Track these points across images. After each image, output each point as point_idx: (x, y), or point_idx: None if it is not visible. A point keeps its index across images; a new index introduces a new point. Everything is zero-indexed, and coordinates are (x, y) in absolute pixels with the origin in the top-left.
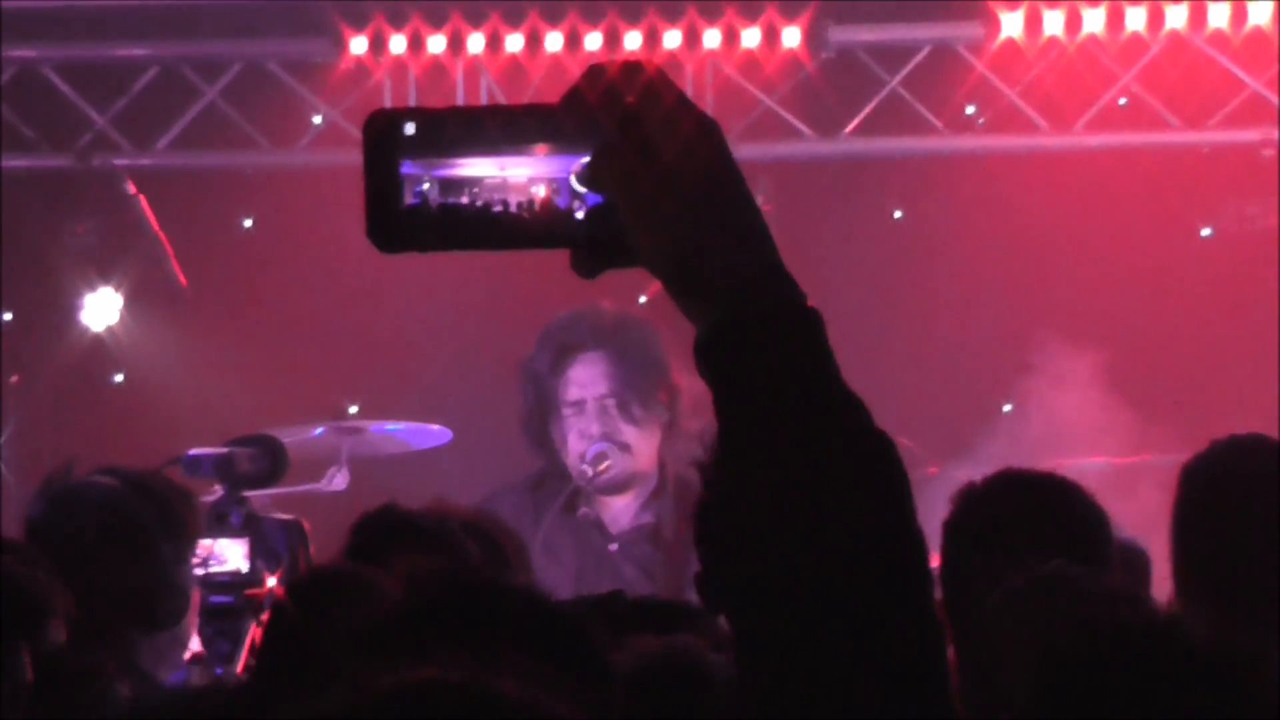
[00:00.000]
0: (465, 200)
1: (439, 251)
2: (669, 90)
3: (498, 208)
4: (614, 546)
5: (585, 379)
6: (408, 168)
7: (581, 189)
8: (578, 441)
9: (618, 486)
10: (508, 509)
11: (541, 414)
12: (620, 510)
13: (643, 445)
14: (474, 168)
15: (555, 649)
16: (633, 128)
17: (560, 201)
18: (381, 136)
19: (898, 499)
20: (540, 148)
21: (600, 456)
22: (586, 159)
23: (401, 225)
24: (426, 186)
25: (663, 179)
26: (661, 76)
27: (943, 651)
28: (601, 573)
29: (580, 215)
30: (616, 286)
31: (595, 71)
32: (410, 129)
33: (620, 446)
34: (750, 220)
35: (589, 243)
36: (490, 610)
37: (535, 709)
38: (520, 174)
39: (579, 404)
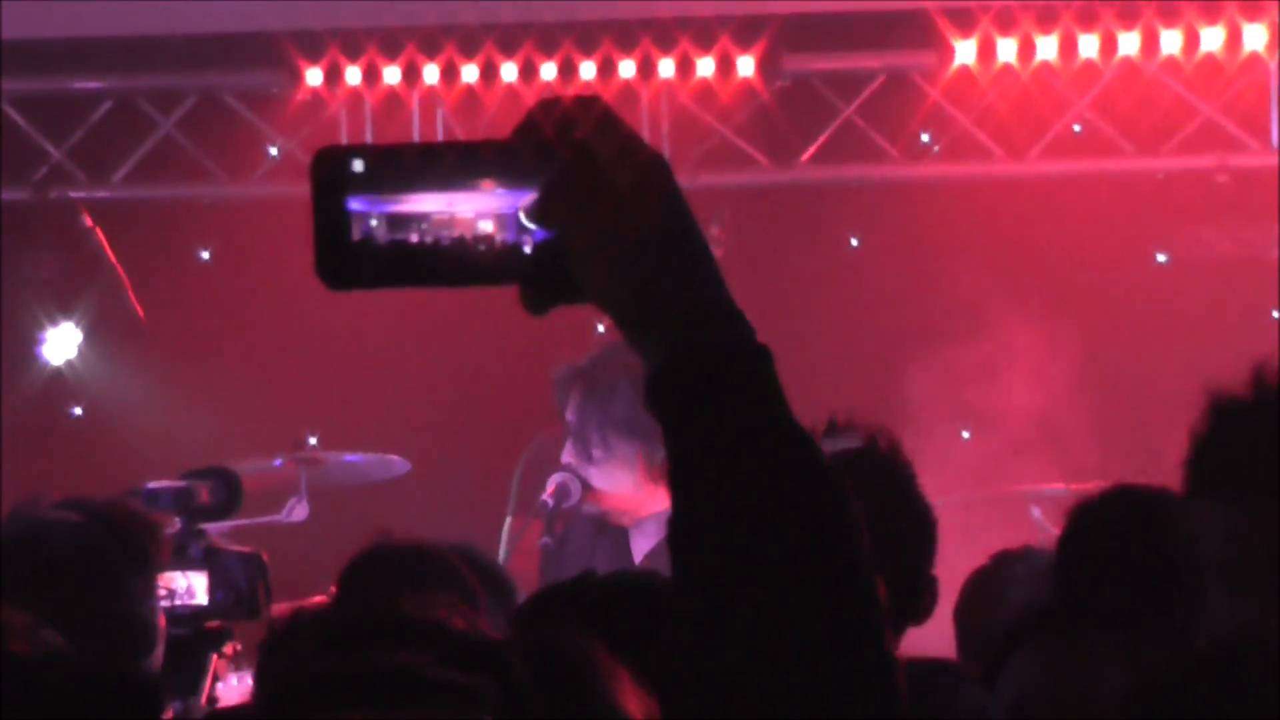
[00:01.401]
0: (413, 237)
1: (387, 288)
2: (620, 125)
3: (446, 244)
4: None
5: (568, 412)
6: (356, 204)
7: (530, 224)
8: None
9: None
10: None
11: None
12: (639, 542)
13: (613, 484)
14: (422, 204)
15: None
16: (587, 161)
17: (508, 237)
18: (329, 173)
19: (849, 532)
20: (488, 183)
21: (562, 488)
22: (534, 194)
23: (349, 262)
24: (374, 223)
25: (614, 214)
26: (609, 115)
27: (898, 680)
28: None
29: (528, 250)
30: (573, 321)
31: (548, 104)
32: (358, 165)
33: (582, 482)
34: (700, 257)
35: (537, 278)
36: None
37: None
38: (468, 209)
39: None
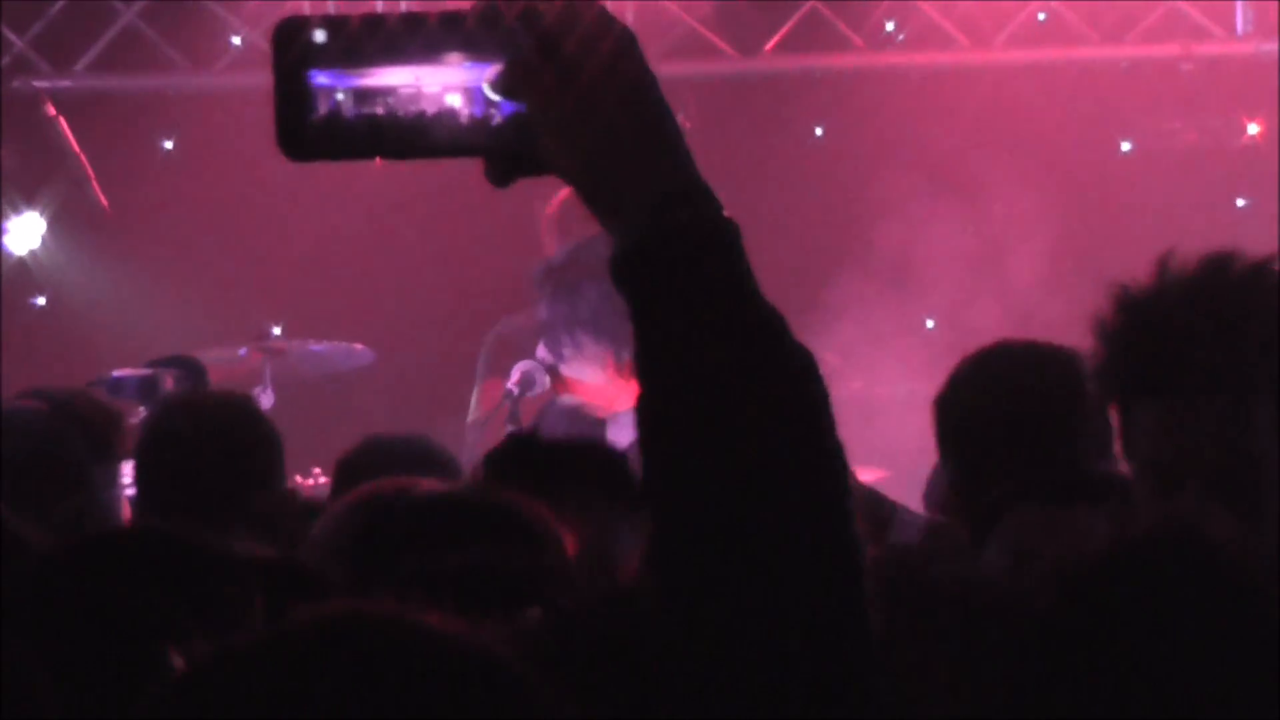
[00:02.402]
0: (378, 109)
1: (351, 160)
2: (588, 2)
3: (412, 116)
4: None
5: (540, 309)
6: (319, 76)
7: (495, 97)
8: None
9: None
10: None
11: (583, 343)
12: (616, 435)
13: (586, 379)
14: (387, 76)
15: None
16: (550, 39)
17: (475, 110)
18: (291, 44)
19: (817, 411)
20: (454, 56)
21: (526, 376)
22: (500, 67)
23: (313, 134)
24: (340, 96)
25: (581, 92)
26: (601, 4)
27: (862, 562)
28: None
29: (495, 123)
30: (518, 195)
31: None
32: (321, 37)
33: (551, 372)
34: (669, 134)
35: (502, 151)
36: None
37: (458, 640)
38: (434, 82)
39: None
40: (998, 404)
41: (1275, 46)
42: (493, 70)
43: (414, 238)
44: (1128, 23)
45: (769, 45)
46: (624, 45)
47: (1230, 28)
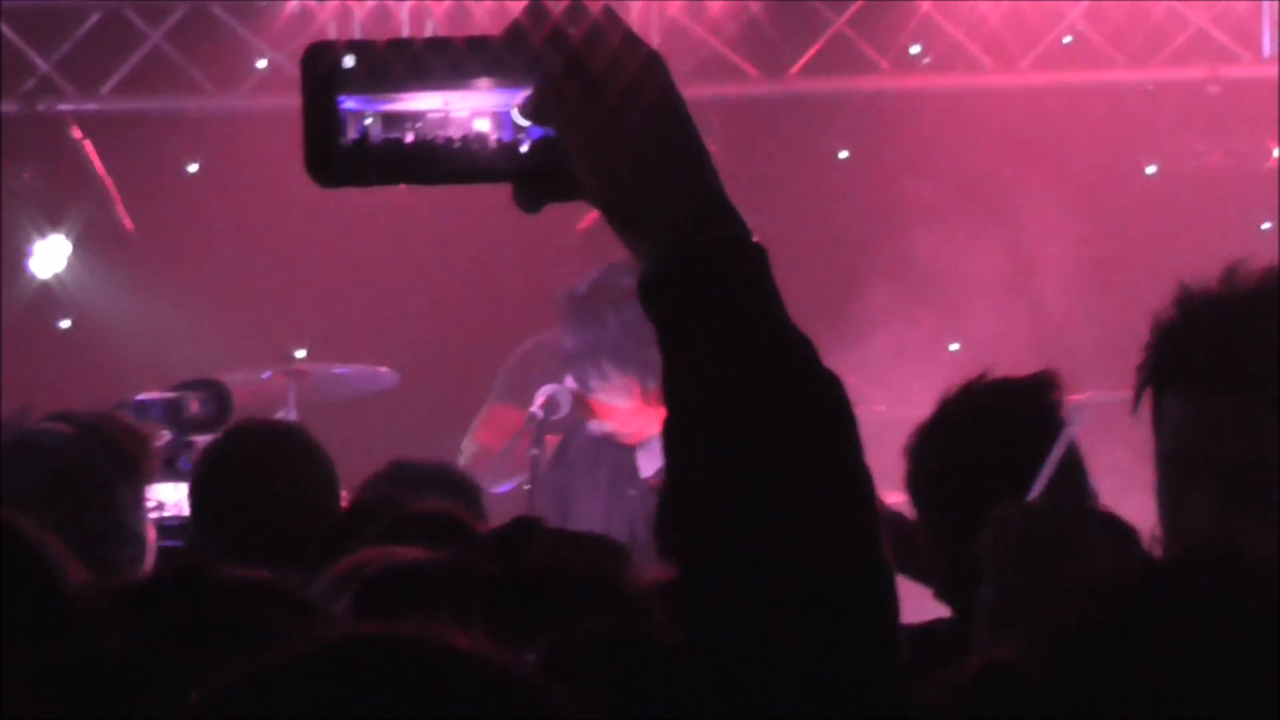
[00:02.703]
0: (407, 134)
1: (380, 186)
2: (615, 25)
3: (440, 141)
4: (633, 492)
5: (566, 339)
6: (348, 101)
7: (524, 122)
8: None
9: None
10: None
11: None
12: (645, 462)
13: (615, 404)
14: (416, 101)
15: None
16: (577, 62)
17: (503, 135)
18: (320, 69)
19: (845, 435)
20: (482, 81)
21: (551, 400)
22: (528, 92)
23: (341, 160)
24: (369, 121)
25: (609, 114)
26: (608, 12)
27: (892, 585)
28: (619, 516)
29: (523, 149)
30: (559, 218)
31: (539, 7)
32: (350, 62)
33: (577, 397)
34: (696, 156)
35: (531, 176)
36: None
37: (486, 659)
38: (463, 107)
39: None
40: (961, 458)
41: None
42: (521, 95)
43: (439, 260)
44: (1154, 45)
45: (795, 68)
46: (651, 66)
47: (1257, 50)
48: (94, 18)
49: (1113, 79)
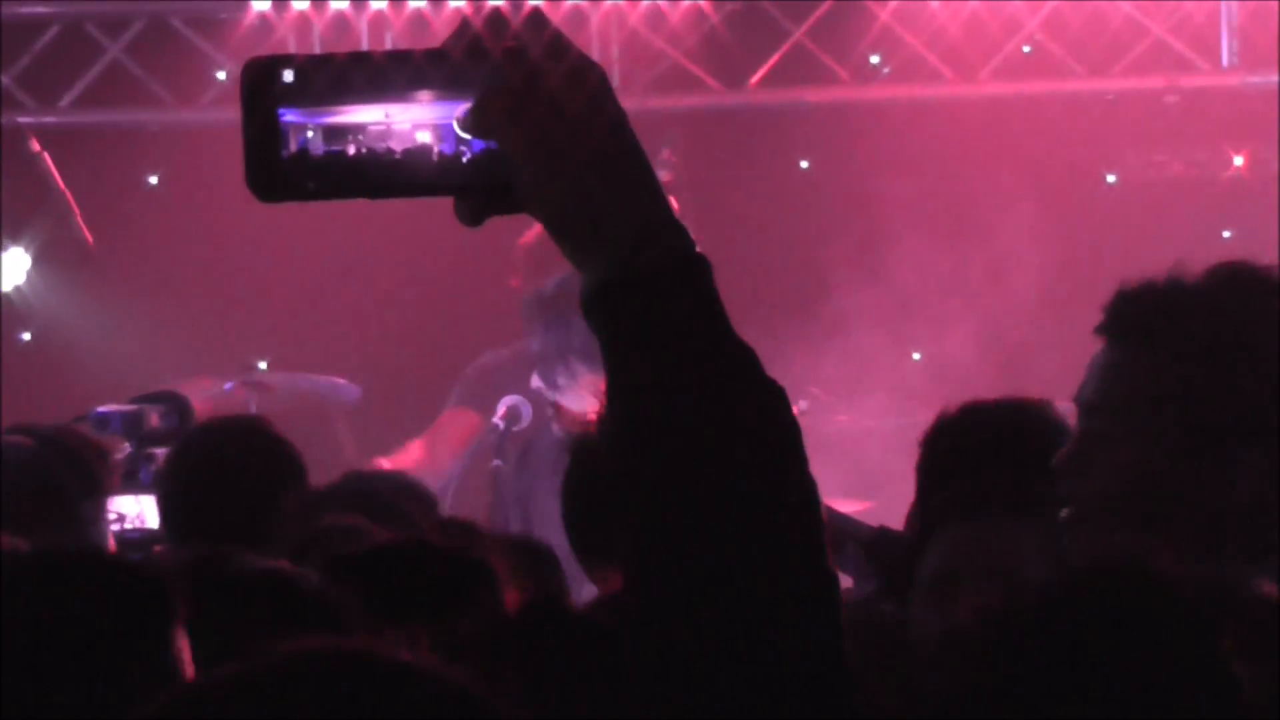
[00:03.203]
0: (349, 148)
1: (322, 200)
2: (553, 31)
3: (381, 154)
4: None
5: (533, 340)
6: (288, 115)
7: (465, 135)
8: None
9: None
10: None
11: (560, 375)
12: None
13: (581, 408)
14: (358, 114)
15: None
16: (520, 66)
17: (445, 148)
18: (259, 83)
19: (787, 445)
20: (424, 93)
21: (513, 411)
22: (469, 105)
23: (282, 174)
24: (309, 134)
25: (552, 122)
26: (544, 18)
27: (835, 592)
28: None
29: (465, 161)
30: (503, 229)
31: (497, 19)
32: (289, 76)
33: (537, 403)
34: (641, 171)
35: (471, 189)
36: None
37: (431, 673)
38: (404, 120)
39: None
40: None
41: (1260, 79)
42: (462, 108)
43: (398, 272)
44: (1113, 55)
45: (755, 78)
46: (584, 75)
47: (1216, 60)
48: (53, 30)
49: (1072, 88)
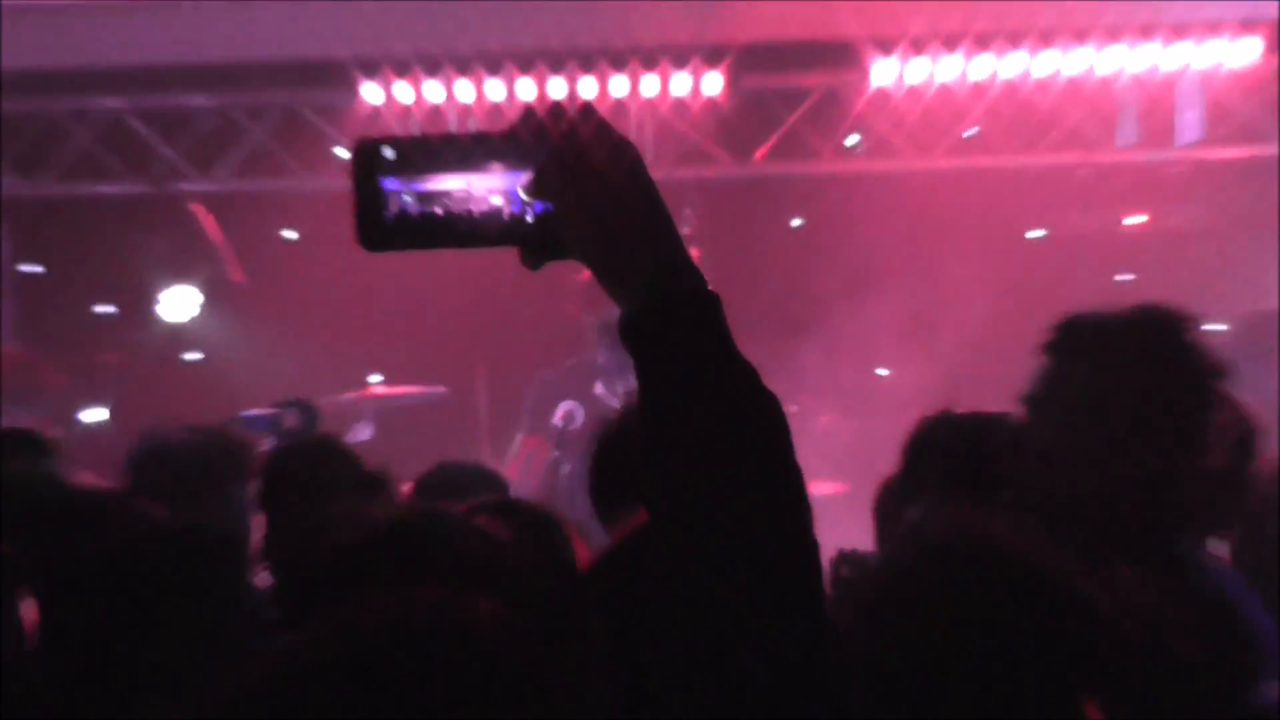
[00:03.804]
0: (437, 209)
1: (415, 250)
2: (597, 116)
3: (463, 214)
4: None
5: (600, 355)
6: (390, 183)
7: (528, 198)
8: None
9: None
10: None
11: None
12: None
13: None
14: (443, 183)
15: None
16: (572, 144)
17: (513, 209)
18: (367, 158)
19: (782, 439)
20: (496, 166)
21: (569, 414)
22: (530, 174)
23: (385, 231)
24: (407, 199)
25: (595, 187)
26: (591, 106)
27: (816, 550)
28: None
29: (528, 219)
30: (557, 277)
31: (556, 109)
32: (390, 152)
33: (593, 409)
34: (662, 222)
35: (533, 241)
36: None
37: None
38: (481, 187)
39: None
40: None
41: (1153, 155)
42: (526, 177)
43: (475, 305)
44: (1038, 137)
45: (758, 155)
46: (621, 152)
47: (1116, 140)
48: (211, 117)
49: (1007, 163)
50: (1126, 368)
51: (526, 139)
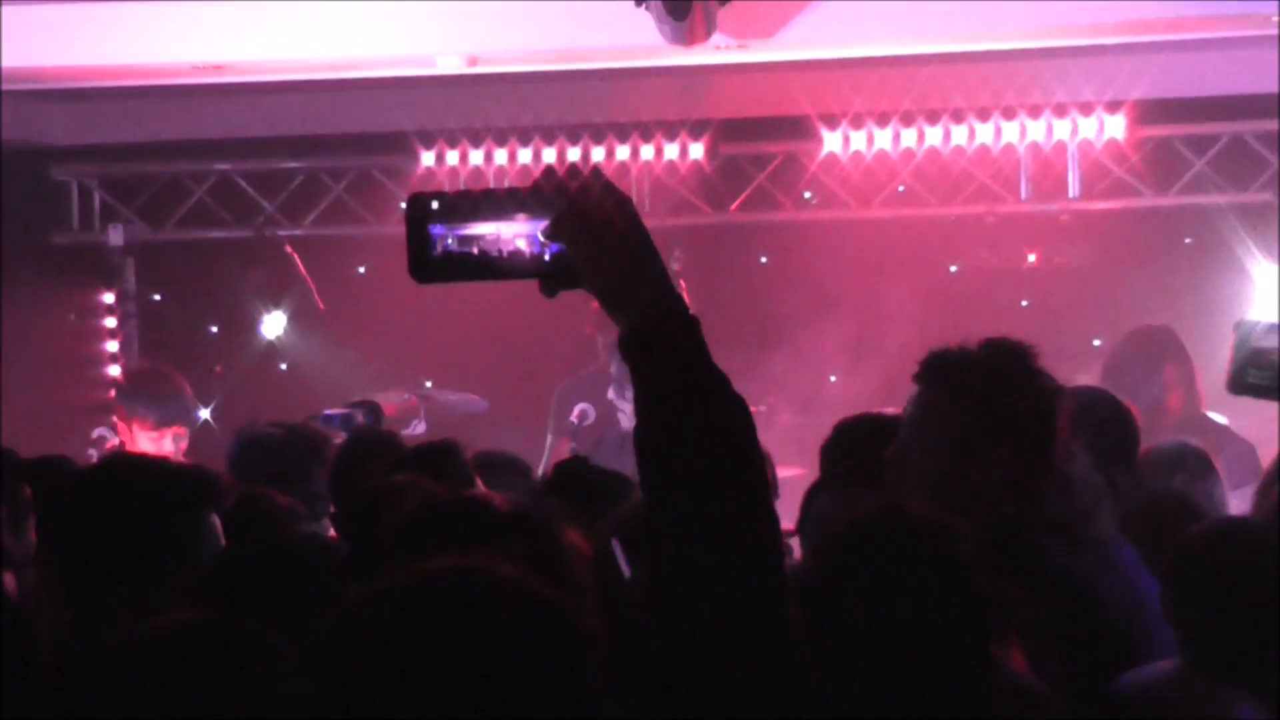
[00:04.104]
0: (474, 249)
1: (456, 282)
2: (603, 177)
3: (494, 253)
4: None
5: (612, 365)
6: (436, 229)
7: (545, 240)
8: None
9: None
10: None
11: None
12: None
13: None
14: (479, 229)
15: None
16: (582, 198)
17: (534, 249)
18: (419, 209)
19: (747, 431)
20: (520, 215)
21: (583, 413)
22: (550, 221)
23: (433, 267)
24: (450, 241)
25: (600, 232)
26: (598, 168)
27: (776, 521)
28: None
29: (546, 257)
30: (573, 303)
31: (572, 169)
32: (436, 204)
33: (603, 410)
34: (654, 261)
35: (550, 275)
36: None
37: (525, 584)
38: (509, 231)
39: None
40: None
41: (1044, 207)
42: (545, 224)
43: (509, 325)
44: (955, 191)
45: (733, 206)
46: (621, 205)
47: (1017, 194)
48: (299, 177)
49: (930, 213)
50: (982, 393)
51: (546, 193)
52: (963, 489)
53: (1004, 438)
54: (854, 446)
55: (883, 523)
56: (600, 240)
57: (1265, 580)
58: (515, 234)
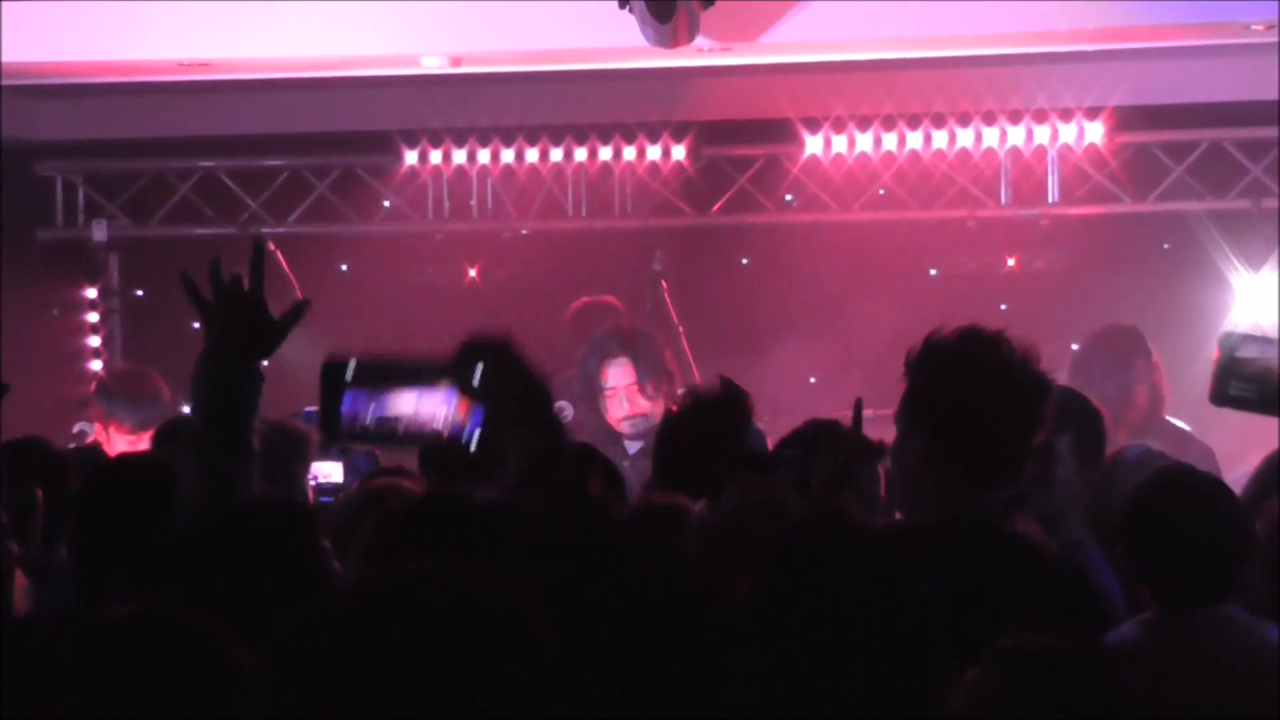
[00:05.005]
0: (389, 413)
1: (366, 445)
2: (509, 346)
3: (401, 427)
4: (625, 463)
5: (616, 375)
6: (348, 395)
7: (457, 407)
8: (616, 411)
9: (643, 435)
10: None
11: (590, 394)
12: (630, 445)
13: (655, 411)
14: (391, 395)
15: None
16: (495, 368)
17: (448, 410)
18: (333, 372)
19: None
20: (432, 380)
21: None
22: (474, 383)
23: (340, 431)
24: (370, 406)
25: (510, 394)
26: (508, 341)
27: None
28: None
29: (460, 430)
30: (552, 309)
31: (473, 340)
32: (350, 371)
33: (642, 417)
34: (545, 405)
35: (456, 433)
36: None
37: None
38: (425, 400)
39: (614, 390)
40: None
41: (1024, 211)
42: (455, 395)
43: (493, 327)
44: (935, 196)
45: (715, 208)
46: (524, 370)
47: (997, 199)
48: (283, 175)
49: (911, 216)
50: (939, 386)
51: (461, 365)
52: (941, 475)
53: (1000, 416)
54: (792, 442)
55: (823, 529)
56: (505, 400)
57: (1214, 509)
58: (428, 404)
